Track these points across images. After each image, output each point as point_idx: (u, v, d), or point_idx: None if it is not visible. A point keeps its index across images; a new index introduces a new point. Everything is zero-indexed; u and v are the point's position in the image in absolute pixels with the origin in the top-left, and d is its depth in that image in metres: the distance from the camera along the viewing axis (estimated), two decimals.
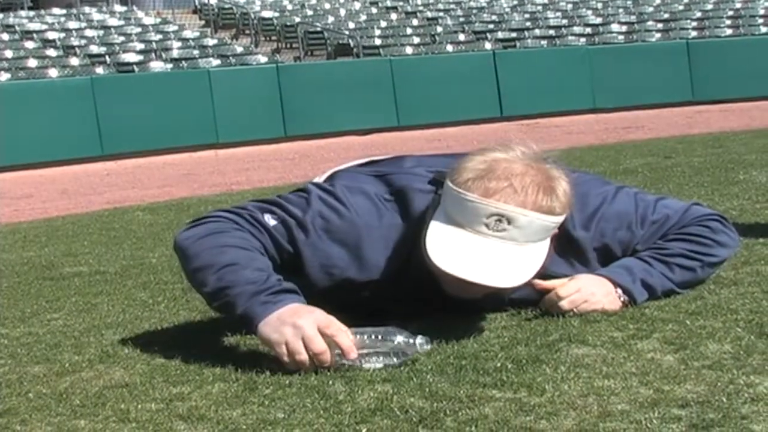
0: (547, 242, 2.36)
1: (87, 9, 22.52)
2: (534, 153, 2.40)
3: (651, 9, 24.33)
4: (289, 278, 2.36)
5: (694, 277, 2.64)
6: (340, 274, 2.46)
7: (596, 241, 2.58)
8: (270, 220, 2.44)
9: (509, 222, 2.27)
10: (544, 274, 2.43)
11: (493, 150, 2.40)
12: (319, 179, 2.73)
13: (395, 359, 2.19)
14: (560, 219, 2.37)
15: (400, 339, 2.19)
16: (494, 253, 2.27)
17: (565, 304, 2.48)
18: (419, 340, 2.18)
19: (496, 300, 2.54)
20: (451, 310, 2.51)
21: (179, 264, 2.52)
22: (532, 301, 2.58)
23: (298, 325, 2.18)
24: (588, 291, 2.49)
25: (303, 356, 2.17)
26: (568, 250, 2.56)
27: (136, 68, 17.79)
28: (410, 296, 2.50)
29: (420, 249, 2.36)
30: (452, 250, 2.28)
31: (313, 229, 2.43)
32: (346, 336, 2.18)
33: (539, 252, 2.34)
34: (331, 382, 2.09)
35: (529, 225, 2.29)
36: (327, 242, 2.44)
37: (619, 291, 2.52)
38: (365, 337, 2.20)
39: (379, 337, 2.20)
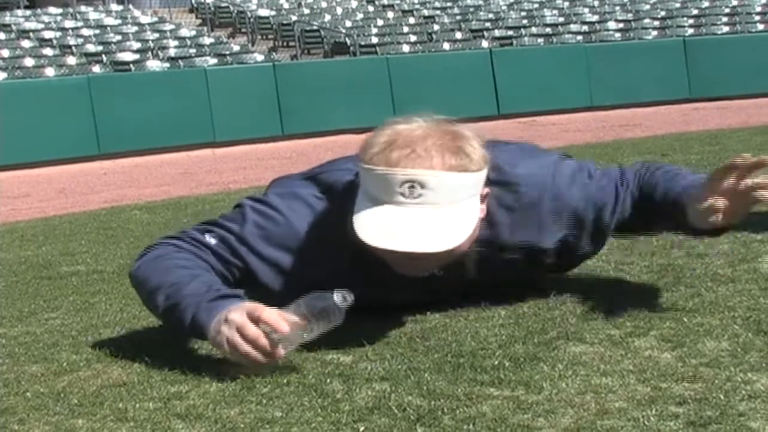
0: (476, 201, 2.37)
1: (83, 8, 22.50)
2: (438, 120, 2.42)
3: (647, 7, 24.34)
4: (249, 293, 2.38)
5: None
6: (294, 274, 2.49)
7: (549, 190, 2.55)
8: (210, 239, 2.50)
9: (422, 186, 2.27)
10: (505, 245, 2.49)
11: (395, 122, 2.42)
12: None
13: (333, 321, 2.19)
14: (478, 175, 2.36)
15: (320, 302, 2.19)
16: (416, 219, 2.27)
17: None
18: (336, 297, 2.18)
19: (464, 276, 2.54)
20: (431, 294, 2.55)
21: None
22: (516, 279, 2.63)
23: (230, 319, 2.20)
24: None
25: (244, 347, 2.18)
26: (517, 208, 2.53)
27: (132, 67, 17.77)
28: (379, 285, 2.47)
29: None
30: (376, 225, 2.29)
31: (253, 239, 2.48)
32: (271, 312, 2.19)
33: (468, 212, 2.34)
34: (328, 381, 2.09)
35: (443, 185, 2.29)
36: (269, 249, 2.49)
37: None
38: (291, 308, 2.20)
39: (303, 306, 2.20)
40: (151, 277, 2.45)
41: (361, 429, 1.78)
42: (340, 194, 2.51)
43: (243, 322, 2.19)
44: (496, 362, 2.11)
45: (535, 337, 2.30)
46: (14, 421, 2.00)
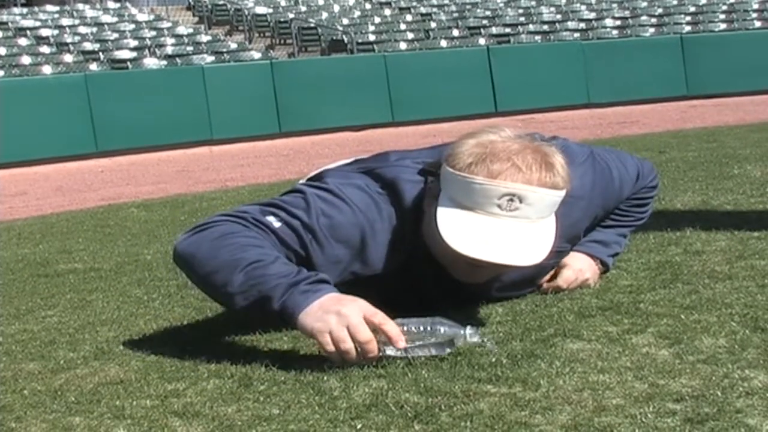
0: (554, 217, 2.38)
1: (80, 6, 22.50)
2: (523, 132, 2.43)
3: (645, 4, 24.34)
4: None
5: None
6: (349, 269, 2.44)
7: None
8: (274, 222, 2.38)
9: (521, 201, 2.27)
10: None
11: (485, 132, 2.40)
12: (305, 179, 2.71)
13: (444, 349, 2.17)
14: (563, 193, 2.37)
15: (446, 330, 2.17)
16: (510, 232, 2.27)
17: (563, 285, 2.73)
18: (469, 330, 2.17)
19: (498, 285, 2.60)
20: (450, 299, 2.52)
21: (185, 271, 2.42)
22: (524, 285, 2.69)
23: (343, 314, 2.14)
24: (579, 270, 2.76)
25: (348, 344, 2.13)
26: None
27: (129, 65, 17.76)
28: (414, 289, 2.49)
29: (421, 240, 2.39)
30: (468, 233, 2.27)
31: (319, 229, 2.39)
32: (393, 325, 2.16)
33: (550, 227, 2.35)
34: (325, 378, 2.09)
35: (540, 201, 2.30)
36: (333, 243, 2.41)
37: (598, 263, 2.84)
38: (412, 327, 2.17)
39: (427, 328, 2.17)
40: (218, 254, 2.29)
41: (359, 426, 1.78)
42: (401, 192, 2.47)
43: (359, 322, 2.13)
44: (494, 359, 2.11)
45: (533, 334, 2.30)
46: (11, 418, 2.00)
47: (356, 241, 2.42)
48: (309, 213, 2.40)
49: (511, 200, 2.27)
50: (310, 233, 2.38)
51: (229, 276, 2.25)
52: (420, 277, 2.49)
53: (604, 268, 2.86)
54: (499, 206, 2.27)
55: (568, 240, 2.67)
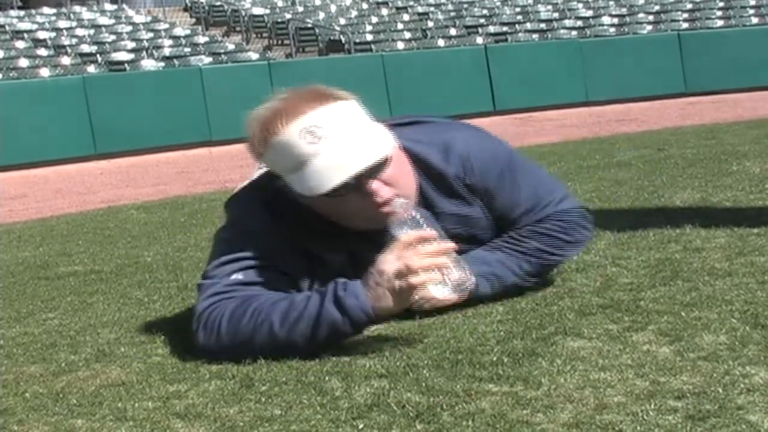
0: (381, 127, 2.50)
1: (77, 8, 22.51)
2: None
3: (642, 1, 24.36)
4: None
5: (542, 273, 2.74)
6: (311, 266, 2.53)
7: (463, 176, 2.63)
8: (240, 275, 2.44)
9: (315, 128, 2.38)
10: (440, 212, 2.60)
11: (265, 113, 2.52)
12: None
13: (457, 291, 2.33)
14: (350, 102, 2.51)
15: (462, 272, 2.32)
16: (341, 147, 2.38)
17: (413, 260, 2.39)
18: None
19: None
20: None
21: (232, 353, 2.33)
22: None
23: (383, 271, 2.25)
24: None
25: (420, 262, 2.24)
26: (443, 187, 2.63)
27: (127, 67, 17.75)
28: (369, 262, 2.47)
29: (327, 220, 2.50)
30: (319, 173, 2.36)
31: (265, 252, 2.46)
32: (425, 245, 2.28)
33: (377, 129, 2.49)
34: (327, 379, 2.09)
35: (330, 116, 2.41)
36: (279, 252, 2.48)
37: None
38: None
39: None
40: (241, 326, 2.31)
41: (360, 426, 1.78)
42: (286, 197, 2.52)
43: (405, 261, 2.23)
44: (495, 358, 2.11)
45: (533, 332, 2.30)
46: (13, 421, 2.00)
47: (279, 247, 2.49)
48: (250, 246, 2.47)
49: (309, 132, 2.38)
50: (264, 260, 2.46)
51: (271, 330, 2.29)
52: (362, 250, 2.47)
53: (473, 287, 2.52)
54: (311, 143, 2.37)
55: (460, 222, 2.65)
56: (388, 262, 2.26)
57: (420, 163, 2.60)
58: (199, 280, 2.52)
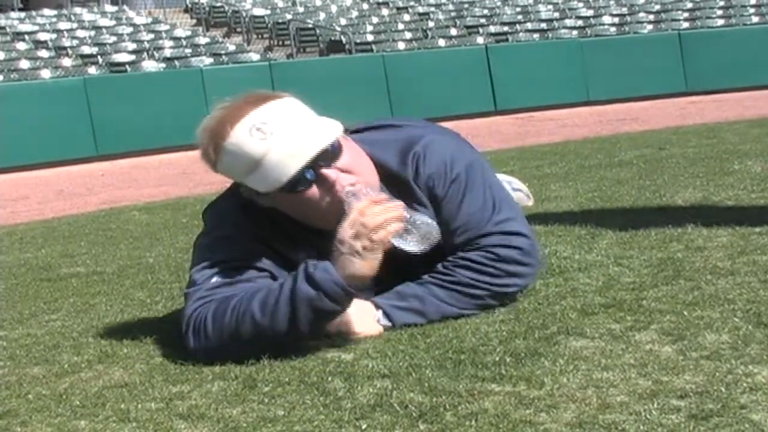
0: (328, 120, 2.53)
1: (78, 9, 22.51)
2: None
3: (642, 0, 24.35)
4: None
5: (484, 303, 2.54)
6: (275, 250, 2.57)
7: (416, 177, 2.62)
8: (218, 279, 2.49)
9: (261, 124, 2.43)
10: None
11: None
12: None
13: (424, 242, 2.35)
14: (288, 98, 2.56)
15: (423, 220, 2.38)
16: (292, 138, 2.41)
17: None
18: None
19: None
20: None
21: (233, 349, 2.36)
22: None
23: (342, 239, 2.30)
24: (347, 318, 2.45)
25: (379, 218, 2.30)
26: (401, 188, 2.61)
27: (128, 68, 17.77)
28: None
29: (290, 220, 2.54)
30: (276, 167, 2.40)
31: (244, 253, 2.52)
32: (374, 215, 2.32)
33: (325, 121, 2.52)
34: (330, 379, 2.10)
35: (274, 112, 2.46)
36: (256, 250, 2.54)
37: (379, 313, 2.50)
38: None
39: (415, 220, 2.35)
40: (224, 323, 2.35)
41: (363, 426, 1.78)
42: (251, 202, 2.57)
43: (364, 222, 2.29)
44: (497, 358, 2.11)
45: (536, 332, 2.30)
46: (16, 423, 2.01)
47: (255, 249, 2.54)
48: (227, 249, 2.54)
49: (257, 129, 2.42)
50: (243, 260, 2.51)
51: (254, 321, 2.33)
52: (331, 249, 2.43)
53: (387, 319, 2.50)
54: (261, 140, 2.41)
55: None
56: (345, 228, 2.30)
57: (376, 165, 2.61)
58: (185, 289, 2.56)
